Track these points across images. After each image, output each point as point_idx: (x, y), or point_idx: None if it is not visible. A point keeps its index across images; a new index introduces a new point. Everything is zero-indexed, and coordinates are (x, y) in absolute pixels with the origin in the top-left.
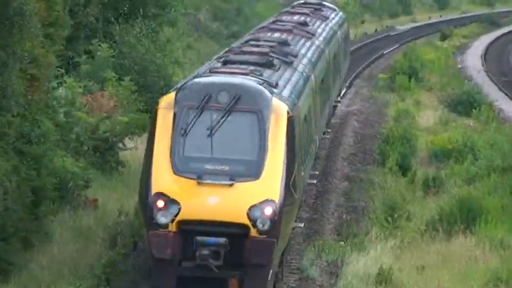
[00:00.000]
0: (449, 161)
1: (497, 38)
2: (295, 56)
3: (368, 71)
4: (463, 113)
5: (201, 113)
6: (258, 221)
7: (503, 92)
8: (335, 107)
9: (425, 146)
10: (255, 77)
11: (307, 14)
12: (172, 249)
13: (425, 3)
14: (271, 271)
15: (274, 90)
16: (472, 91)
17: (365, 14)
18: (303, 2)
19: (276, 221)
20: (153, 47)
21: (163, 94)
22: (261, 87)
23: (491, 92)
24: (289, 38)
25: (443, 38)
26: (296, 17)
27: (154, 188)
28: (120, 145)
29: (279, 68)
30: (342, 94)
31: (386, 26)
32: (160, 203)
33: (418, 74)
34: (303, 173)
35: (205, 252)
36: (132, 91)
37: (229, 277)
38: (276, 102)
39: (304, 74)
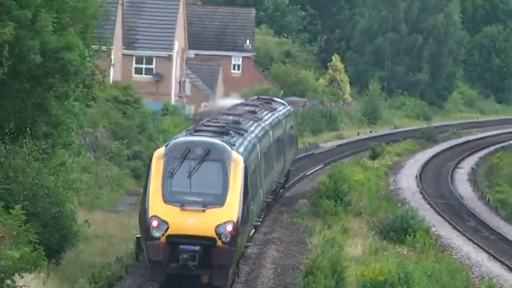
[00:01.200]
0: None
1: (435, 156)
2: (246, 131)
3: (289, 194)
4: (396, 241)
5: (182, 162)
6: (222, 235)
7: (441, 216)
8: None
9: (354, 278)
10: (218, 138)
11: (257, 105)
12: (163, 254)
13: (353, 117)
14: (230, 270)
15: (233, 147)
16: (406, 216)
17: None
18: (256, 97)
19: (235, 235)
20: (45, 169)
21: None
22: (224, 143)
23: (428, 216)
24: (241, 119)
25: (374, 156)
26: (247, 107)
27: (151, 212)
28: (9, 282)
29: (233, 136)
30: (288, 179)
31: (309, 144)
32: (154, 223)
33: (345, 197)
34: (252, 207)
35: (186, 256)
36: (22, 220)
37: (202, 273)
38: (235, 154)
39: (251, 142)
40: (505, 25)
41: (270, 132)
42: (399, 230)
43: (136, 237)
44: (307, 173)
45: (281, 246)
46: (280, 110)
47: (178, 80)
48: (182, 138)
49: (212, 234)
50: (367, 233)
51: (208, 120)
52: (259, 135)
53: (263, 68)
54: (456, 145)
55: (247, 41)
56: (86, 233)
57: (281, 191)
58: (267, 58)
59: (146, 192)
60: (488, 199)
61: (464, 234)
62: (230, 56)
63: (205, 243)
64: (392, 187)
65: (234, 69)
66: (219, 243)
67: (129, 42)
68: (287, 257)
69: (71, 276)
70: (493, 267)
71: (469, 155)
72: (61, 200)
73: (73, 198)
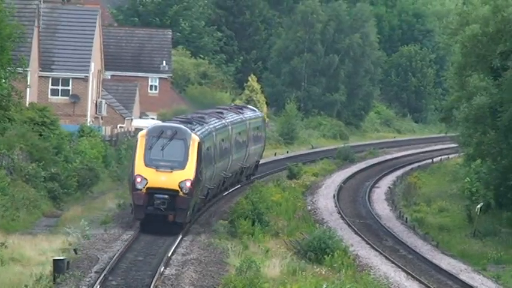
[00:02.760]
0: None
1: (352, 175)
2: (206, 123)
3: (206, 215)
4: (314, 261)
5: (158, 139)
6: (183, 188)
7: (359, 236)
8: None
9: None
10: (184, 125)
11: (227, 109)
12: (143, 200)
13: (270, 138)
14: (188, 212)
15: (192, 131)
16: (324, 236)
17: None
18: (233, 105)
19: (191, 188)
20: None
21: None
22: (186, 128)
23: (346, 236)
24: (206, 116)
25: (291, 176)
26: (218, 110)
27: (136, 172)
28: None
29: (195, 125)
30: (256, 168)
31: None
32: (138, 179)
33: (263, 217)
34: (204, 172)
35: (159, 202)
36: None
37: (169, 214)
38: (193, 135)
39: (208, 130)
40: (421, 45)
41: (229, 127)
42: (317, 250)
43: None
44: (224, 194)
45: (199, 267)
46: (247, 114)
47: (95, 101)
48: (159, 123)
49: (176, 187)
50: (285, 253)
51: (181, 116)
52: (216, 127)
53: (180, 88)
54: (373, 165)
55: (164, 62)
56: (1, 256)
57: (252, 177)
58: (184, 79)
59: (133, 159)
60: (406, 218)
61: (382, 254)
62: (147, 77)
63: (172, 193)
64: (310, 207)
65: (150, 89)
66: (180, 193)
67: (45, 64)
68: (205, 278)
69: None
70: (411, 287)
71: (386, 174)
72: None
73: None
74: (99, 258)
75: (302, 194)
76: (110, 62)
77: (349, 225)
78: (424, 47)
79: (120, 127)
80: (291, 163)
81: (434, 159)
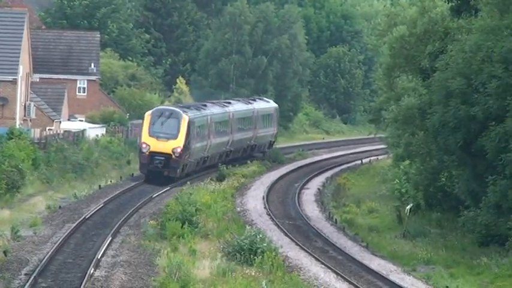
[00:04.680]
0: None
1: (281, 177)
2: (204, 109)
3: (136, 216)
4: (244, 262)
5: (159, 117)
6: (175, 152)
7: (289, 237)
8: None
9: None
10: (180, 108)
11: (236, 100)
12: (147, 160)
13: None
14: (178, 170)
15: (185, 113)
16: (254, 237)
17: (130, 152)
18: (251, 97)
19: (181, 153)
20: None
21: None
22: (180, 110)
23: (276, 237)
24: (209, 105)
25: (221, 178)
26: (226, 100)
27: (142, 140)
28: None
29: (192, 109)
30: (271, 146)
31: None
32: (144, 145)
33: (192, 219)
34: (194, 143)
35: (157, 162)
36: None
37: (164, 171)
38: (184, 115)
39: (203, 114)
40: (350, 46)
41: (231, 113)
42: (247, 251)
43: None
44: (154, 196)
45: (129, 268)
46: (257, 104)
47: (23, 104)
48: (160, 106)
49: (170, 152)
50: (214, 255)
51: (185, 103)
52: (214, 112)
53: (108, 90)
54: (302, 166)
55: (92, 64)
56: None
57: (265, 152)
58: (112, 81)
59: (140, 131)
60: (336, 219)
61: (312, 255)
62: (75, 79)
63: (167, 156)
64: (239, 209)
65: (79, 92)
66: (173, 156)
67: None
68: (135, 280)
69: None
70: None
71: (316, 175)
72: None
73: None
74: (28, 260)
75: (232, 196)
76: (39, 64)
77: (278, 227)
78: (353, 48)
79: (49, 129)
80: (220, 165)
81: (364, 161)
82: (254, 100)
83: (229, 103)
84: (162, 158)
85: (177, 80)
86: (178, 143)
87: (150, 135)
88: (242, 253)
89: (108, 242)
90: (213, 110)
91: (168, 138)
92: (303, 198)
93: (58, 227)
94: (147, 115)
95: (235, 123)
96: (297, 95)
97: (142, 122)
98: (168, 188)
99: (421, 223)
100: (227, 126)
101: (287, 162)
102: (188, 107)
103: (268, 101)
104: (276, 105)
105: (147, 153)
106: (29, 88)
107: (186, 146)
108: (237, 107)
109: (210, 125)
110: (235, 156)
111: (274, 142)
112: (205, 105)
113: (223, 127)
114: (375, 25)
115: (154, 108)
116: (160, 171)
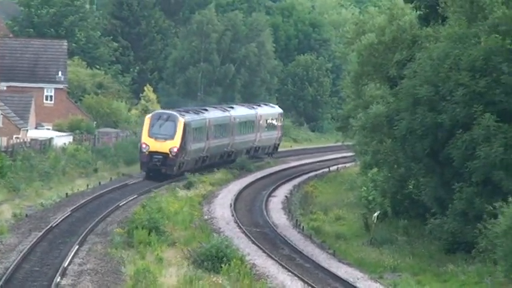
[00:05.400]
0: None
1: (249, 185)
2: (203, 112)
3: (103, 225)
4: (211, 270)
5: (157, 120)
6: (172, 152)
7: (256, 244)
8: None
9: None
10: (177, 112)
11: (240, 105)
12: (147, 159)
13: None
14: (175, 167)
15: (181, 116)
16: (221, 245)
17: (98, 161)
18: (257, 103)
19: (177, 152)
20: None
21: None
22: (177, 114)
23: (243, 245)
24: (210, 109)
25: (188, 186)
26: (229, 105)
27: (142, 140)
28: None
29: (190, 113)
30: (276, 148)
31: (123, 174)
32: (144, 145)
33: (159, 227)
34: (191, 143)
35: (156, 160)
36: None
37: (162, 168)
38: (181, 118)
39: (202, 117)
40: (318, 54)
41: (231, 117)
42: (214, 259)
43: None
44: (121, 204)
45: (95, 277)
46: (261, 109)
47: None
48: (159, 110)
49: (167, 151)
50: (181, 263)
51: (185, 108)
52: (214, 116)
53: (76, 99)
54: (270, 174)
55: (60, 72)
56: None
57: (272, 155)
58: (80, 89)
59: (141, 132)
60: (303, 227)
61: (279, 263)
62: (42, 88)
63: (164, 155)
64: (206, 216)
65: (46, 100)
66: (170, 155)
67: None
68: None
69: None
70: None
71: (283, 183)
72: None
73: None
74: None
75: (199, 204)
76: (5, 73)
77: (246, 234)
78: (321, 56)
79: (16, 138)
80: (187, 173)
81: (331, 168)
82: (259, 105)
83: (232, 108)
84: (160, 157)
85: (145, 88)
86: (174, 143)
87: (149, 136)
88: (209, 261)
89: (74, 250)
90: (213, 114)
91: (165, 139)
92: (271, 206)
93: (24, 236)
94: (147, 118)
95: (237, 127)
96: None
97: (142, 124)
98: (135, 196)
99: (388, 230)
100: (227, 129)
101: (255, 170)
102: (187, 111)
103: (273, 107)
104: (280, 110)
105: (147, 152)
106: None
107: (183, 146)
108: (239, 111)
109: (209, 127)
110: (238, 157)
111: (279, 145)
112: (206, 110)
113: (224, 130)
114: (343, 33)
115: (153, 112)
116: (158, 169)
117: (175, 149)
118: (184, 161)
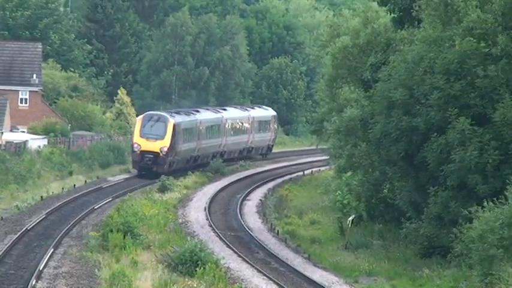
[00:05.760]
0: None
1: (223, 188)
2: (194, 114)
3: (77, 228)
4: (185, 273)
5: (148, 121)
6: (162, 151)
7: (230, 248)
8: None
9: None
10: (168, 113)
11: (233, 107)
12: (138, 158)
13: None
14: (165, 166)
15: (172, 117)
16: (196, 248)
17: (73, 164)
18: (249, 105)
19: (167, 151)
20: None
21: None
22: (167, 115)
23: (218, 248)
24: (201, 111)
25: (163, 189)
26: (222, 108)
27: (134, 140)
28: None
29: (181, 114)
30: (270, 150)
31: (97, 177)
32: (135, 145)
33: (134, 230)
34: (181, 143)
35: (147, 159)
36: None
37: (153, 167)
38: (171, 119)
39: (192, 118)
40: (292, 57)
41: (223, 118)
42: (188, 262)
43: None
44: (96, 207)
45: (71, 280)
46: (254, 111)
47: None
48: (150, 111)
49: (158, 150)
50: (156, 266)
51: (176, 109)
52: (205, 118)
53: (50, 101)
54: (244, 177)
55: (34, 75)
56: None
57: (266, 156)
58: (54, 92)
59: (133, 133)
60: (278, 231)
61: (254, 266)
62: (17, 90)
63: (155, 154)
64: (181, 220)
65: (21, 103)
66: (160, 154)
67: None
68: None
69: None
70: None
71: (258, 187)
72: None
73: None
74: None
75: (173, 207)
76: None
77: (220, 238)
78: (295, 59)
79: None
80: (162, 177)
81: (306, 172)
82: (252, 108)
83: (225, 110)
84: (151, 156)
85: (119, 91)
86: (165, 143)
87: (140, 136)
88: (184, 264)
89: (50, 253)
90: (204, 115)
91: (156, 139)
92: (245, 209)
93: (0, 239)
94: (139, 119)
95: (229, 128)
96: None
97: (134, 125)
98: (110, 199)
99: (363, 234)
100: (219, 130)
101: (229, 174)
102: (178, 112)
103: (266, 109)
104: (274, 113)
105: (138, 152)
106: None
107: (173, 145)
108: (231, 113)
109: (200, 128)
110: (232, 157)
111: (272, 146)
112: (197, 111)
113: (215, 130)
114: (317, 36)
115: (145, 113)
116: (150, 167)
117: (165, 149)
118: (175, 160)
